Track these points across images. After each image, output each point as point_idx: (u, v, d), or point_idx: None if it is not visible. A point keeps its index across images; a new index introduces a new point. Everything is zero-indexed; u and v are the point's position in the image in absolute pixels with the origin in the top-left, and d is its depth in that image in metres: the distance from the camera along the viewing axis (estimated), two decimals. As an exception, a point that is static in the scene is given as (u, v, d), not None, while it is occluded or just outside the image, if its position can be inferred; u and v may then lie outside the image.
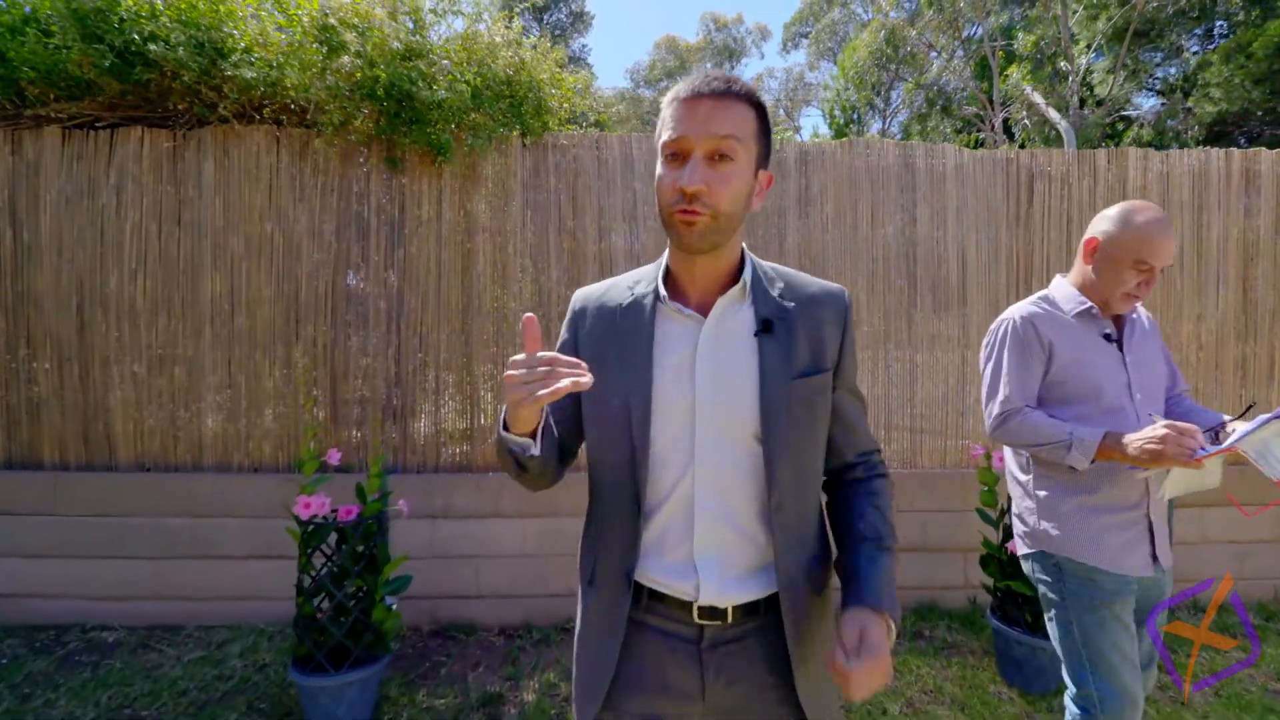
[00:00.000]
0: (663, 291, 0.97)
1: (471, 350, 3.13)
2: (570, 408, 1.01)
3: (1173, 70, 10.91)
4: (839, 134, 16.00)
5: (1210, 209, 3.42)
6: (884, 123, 17.34)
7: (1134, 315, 1.68)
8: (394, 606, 2.34)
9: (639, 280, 1.02)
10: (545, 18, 20.82)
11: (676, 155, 0.88)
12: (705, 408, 0.93)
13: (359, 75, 2.74)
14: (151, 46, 2.63)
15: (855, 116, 17.61)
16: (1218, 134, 8.83)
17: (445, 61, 2.91)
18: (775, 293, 0.97)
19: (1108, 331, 1.59)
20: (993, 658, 2.72)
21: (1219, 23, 9.58)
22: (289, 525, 2.33)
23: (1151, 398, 1.60)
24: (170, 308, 3.02)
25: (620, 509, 0.97)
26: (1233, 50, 8.33)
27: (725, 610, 0.95)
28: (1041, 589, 1.64)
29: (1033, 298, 1.68)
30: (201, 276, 3.02)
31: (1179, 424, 1.35)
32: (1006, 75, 11.21)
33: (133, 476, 3.00)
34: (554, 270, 3.18)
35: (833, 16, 22.81)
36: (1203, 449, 1.32)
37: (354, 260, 3.08)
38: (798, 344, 0.95)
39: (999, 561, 2.63)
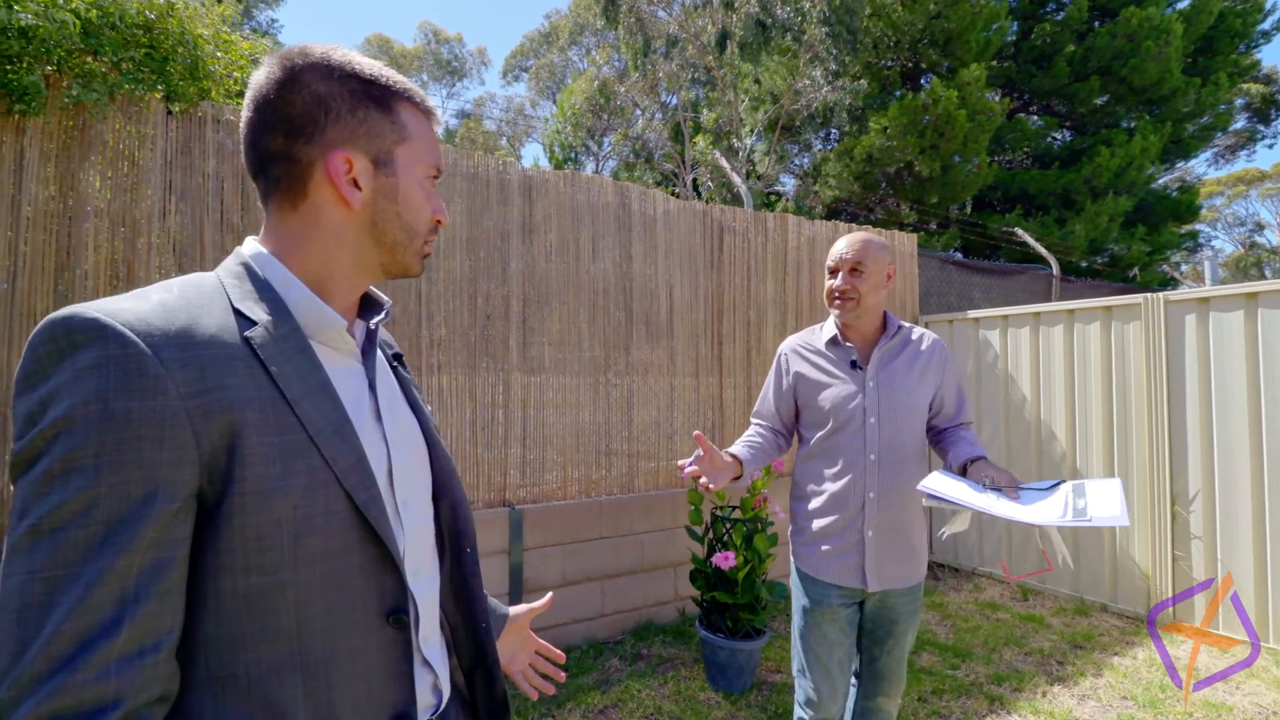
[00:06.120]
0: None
1: (73, 380, 2.24)
2: None
3: (805, 160, 14.19)
4: (559, 168, 16.81)
5: (839, 267, 4.37)
6: (598, 165, 18.80)
7: (911, 340, 1.74)
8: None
9: None
10: (223, -19, 17.45)
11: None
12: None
13: None
14: None
15: (573, 155, 18.72)
16: (834, 211, 11.70)
17: (36, -24, 2.07)
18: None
19: (853, 359, 1.70)
20: (701, 665, 2.92)
21: (834, 130, 12.81)
22: None
23: (894, 421, 1.65)
24: None
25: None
26: (841, 152, 11.17)
27: None
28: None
29: (807, 329, 1.86)
30: None
31: (701, 461, 1.49)
32: (695, 142, 13.14)
33: None
34: (215, 278, 2.48)
35: (552, 59, 24.08)
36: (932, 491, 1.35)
37: None
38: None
39: (705, 575, 2.84)
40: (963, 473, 1.51)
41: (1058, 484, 1.35)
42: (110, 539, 0.49)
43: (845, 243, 1.70)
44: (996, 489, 1.35)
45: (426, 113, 0.74)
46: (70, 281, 2.25)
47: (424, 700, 0.72)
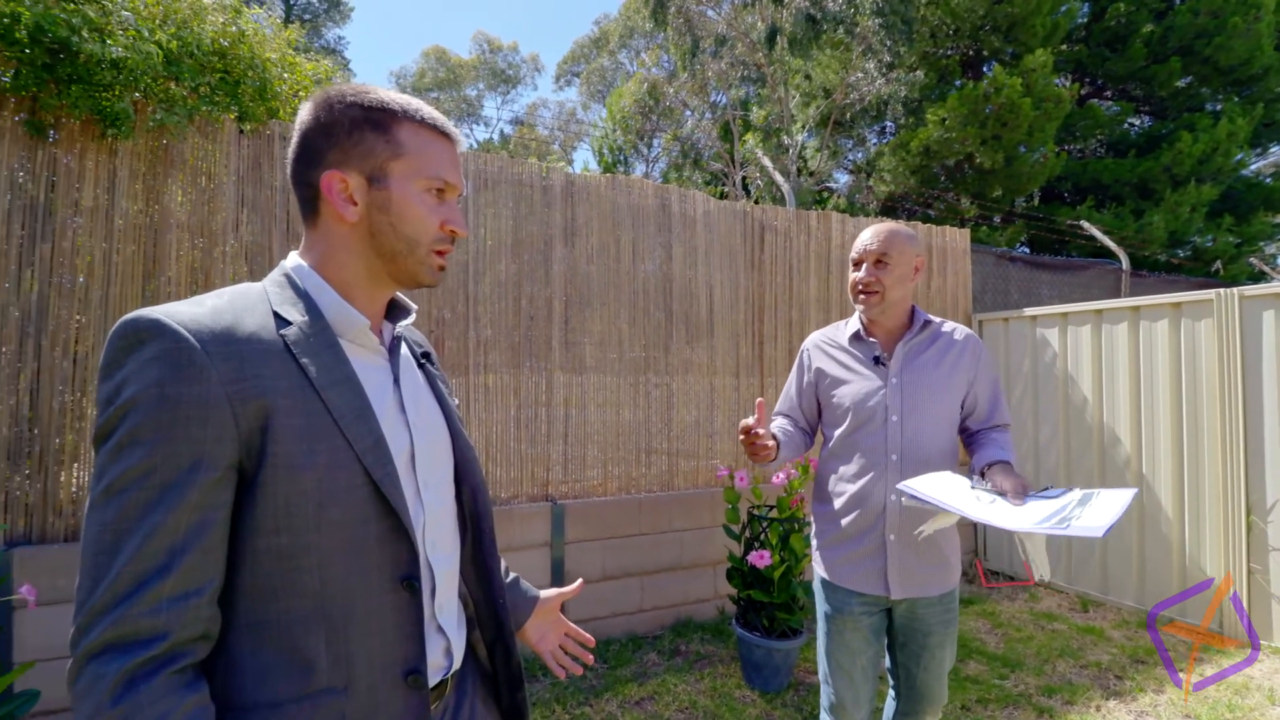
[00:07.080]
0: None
1: (158, 377, 2.46)
2: None
3: (859, 155, 13.85)
4: (607, 171, 17.01)
5: (886, 266, 4.28)
6: (647, 167, 18.89)
7: (941, 334, 1.65)
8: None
9: None
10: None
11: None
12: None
13: (-21, 3, 2.01)
14: None
15: (622, 158, 18.88)
16: (889, 208, 11.39)
17: (128, 13, 2.29)
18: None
19: (877, 354, 1.63)
20: (738, 663, 2.93)
21: (889, 123, 12.46)
22: None
23: (918, 419, 1.58)
24: None
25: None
26: (897, 146, 10.85)
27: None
28: None
29: (832, 325, 1.81)
30: None
31: (750, 434, 1.46)
32: (744, 141, 13.04)
33: None
34: (281, 283, 2.68)
35: (602, 63, 24.34)
36: (913, 495, 1.31)
37: (-39, 253, 2.22)
38: None
39: (741, 573, 2.85)
40: (984, 477, 1.46)
41: (1067, 492, 1.28)
42: (163, 499, 0.60)
43: (870, 233, 1.61)
44: (1000, 493, 1.29)
45: (434, 130, 0.78)
46: (156, 288, 2.48)
47: (436, 662, 0.79)
